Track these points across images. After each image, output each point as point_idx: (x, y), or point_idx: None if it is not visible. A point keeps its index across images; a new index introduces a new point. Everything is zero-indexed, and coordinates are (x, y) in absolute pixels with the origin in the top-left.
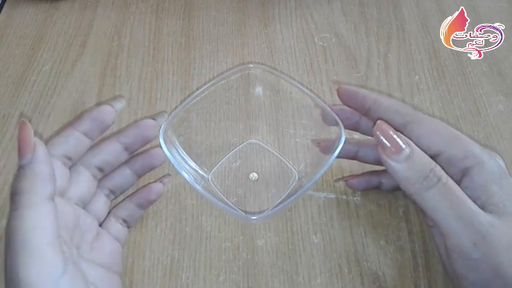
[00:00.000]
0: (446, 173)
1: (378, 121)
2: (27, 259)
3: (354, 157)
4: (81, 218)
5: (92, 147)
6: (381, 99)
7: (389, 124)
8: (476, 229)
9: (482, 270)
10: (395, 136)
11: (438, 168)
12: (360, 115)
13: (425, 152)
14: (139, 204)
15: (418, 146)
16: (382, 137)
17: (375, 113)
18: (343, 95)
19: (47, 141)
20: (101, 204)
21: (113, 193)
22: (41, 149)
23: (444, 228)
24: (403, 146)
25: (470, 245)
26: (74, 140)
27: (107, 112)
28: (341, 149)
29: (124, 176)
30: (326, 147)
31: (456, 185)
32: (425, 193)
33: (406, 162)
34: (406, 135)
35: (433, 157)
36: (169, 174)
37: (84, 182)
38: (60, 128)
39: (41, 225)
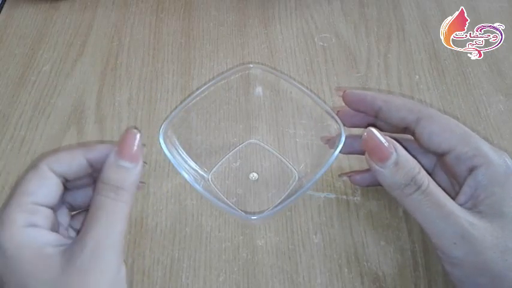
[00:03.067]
0: (454, 169)
1: (368, 127)
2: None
3: (358, 151)
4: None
5: (58, 155)
6: (392, 98)
7: (402, 122)
8: (454, 229)
9: (466, 268)
10: (384, 141)
11: (421, 175)
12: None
13: (436, 149)
14: None
15: (430, 143)
16: (371, 143)
17: (386, 113)
18: (350, 99)
19: (48, 153)
20: (65, 215)
21: (73, 208)
22: (141, 162)
23: (425, 229)
24: (391, 151)
25: (450, 244)
26: (79, 167)
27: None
28: (342, 146)
29: (86, 196)
30: (334, 143)
31: (438, 189)
32: (405, 198)
33: (393, 167)
34: (418, 132)
35: (443, 154)
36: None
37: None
38: (68, 145)
39: (124, 223)
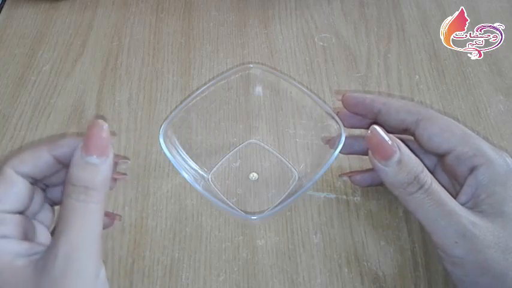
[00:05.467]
0: (454, 170)
1: (372, 125)
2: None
3: (358, 151)
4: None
5: (22, 155)
6: (391, 101)
7: (402, 124)
8: (456, 228)
9: (467, 267)
10: (387, 139)
11: (423, 174)
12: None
13: (437, 150)
14: None
15: (430, 144)
16: (375, 140)
17: (385, 116)
18: (349, 102)
19: (14, 153)
20: (48, 212)
21: (55, 204)
22: (111, 155)
23: (426, 227)
24: (395, 149)
25: (451, 243)
26: (45, 165)
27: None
28: (342, 147)
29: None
30: (334, 144)
31: (440, 188)
32: (407, 197)
33: (396, 166)
34: (417, 133)
35: (443, 155)
36: (119, 215)
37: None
38: (32, 142)
39: (99, 224)
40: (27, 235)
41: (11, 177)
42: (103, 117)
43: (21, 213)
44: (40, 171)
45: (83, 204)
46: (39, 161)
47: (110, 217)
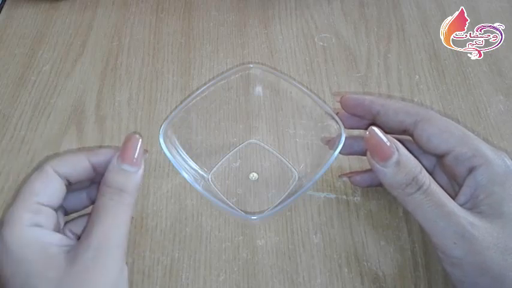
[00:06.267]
0: (453, 170)
1: (370, 127)
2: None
3: (357, 151)
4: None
5: (63, 157)
6: (389, 102)
7: (400, 125)
8: (455, 229)
9: (466, 268)
10: (386, 140)
11: (422, 175)
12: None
13: (435, 151)
14: None
15: (429, 144)
16: (373, 142)
17: (384, 117)
18: (348, 104)
19: (53, 155)
20: (61, 218)
21: (66, 212)
22: (143, 167)
23: (425, 228)
24: (393, 150)
25: (450, 244)
26: (82, 170)
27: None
28: (342, 147)
29: (79, 198)
30: (334, 144)
31: (439, 189)
32: (406, 198)
33: (395, 167)
34: (416, 134)
35: (442, 155)
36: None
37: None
38: (74, 149)
39: (127, 224)
40: (57, 230)
41: (50, 175)
42: (139, 133)
43: (54, 210)
44: (77, 174)
45: (115, 203)
46: (77, 164)
47: None
